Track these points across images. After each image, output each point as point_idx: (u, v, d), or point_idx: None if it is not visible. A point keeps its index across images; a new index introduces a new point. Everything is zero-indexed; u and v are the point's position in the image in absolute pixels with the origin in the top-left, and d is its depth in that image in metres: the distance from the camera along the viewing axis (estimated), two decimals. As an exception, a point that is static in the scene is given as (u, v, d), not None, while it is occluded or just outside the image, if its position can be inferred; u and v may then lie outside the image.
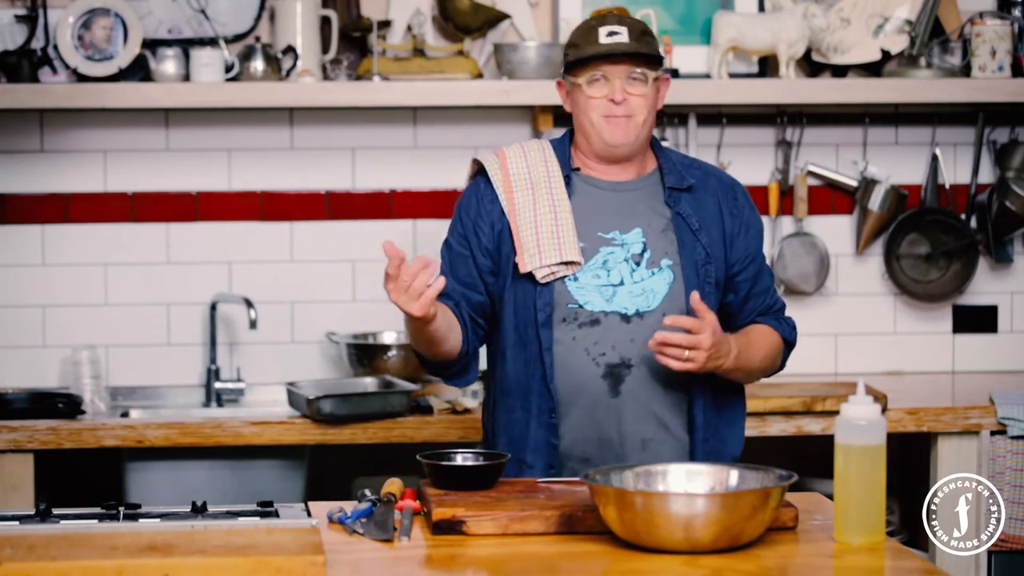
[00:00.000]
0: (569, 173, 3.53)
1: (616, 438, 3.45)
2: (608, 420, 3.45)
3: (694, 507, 2.84)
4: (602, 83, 3.46)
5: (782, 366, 3.69)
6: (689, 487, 3.02)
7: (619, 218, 3.49)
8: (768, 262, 5.02)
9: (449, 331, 3.45)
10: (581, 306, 3.45)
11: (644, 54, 3.45)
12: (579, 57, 3.47)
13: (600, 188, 3.53)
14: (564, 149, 3.57)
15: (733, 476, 3.04)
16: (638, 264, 3.47)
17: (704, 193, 3.54)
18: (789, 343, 3.64)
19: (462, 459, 3.29)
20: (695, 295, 3.36)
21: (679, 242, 3.48)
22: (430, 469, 3.24)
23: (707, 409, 3.50)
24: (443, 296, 3.51)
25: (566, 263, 3.44)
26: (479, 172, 3.60)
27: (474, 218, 3.54)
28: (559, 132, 3.96)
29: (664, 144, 3.72)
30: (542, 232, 3.46)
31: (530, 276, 3.46)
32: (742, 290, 3.55)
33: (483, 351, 3.60)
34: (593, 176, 3.54)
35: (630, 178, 3.53)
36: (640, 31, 3.48)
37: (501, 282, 3.52)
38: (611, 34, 3.44)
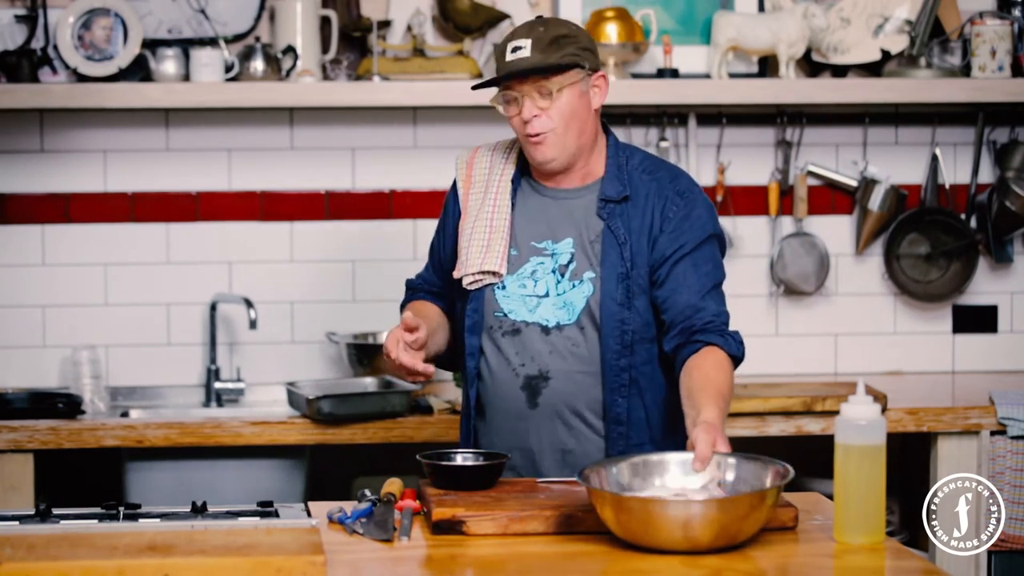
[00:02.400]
0: (518, 178, 3.51)
1: (535, 448, 3.44)
2: (527, 430, 3.44)
3: (691, 511, 2.84)
4: (513, 104, 3.40)
5: None
6: (686, 483, 3.02)
7: (553, 227, 3.45)
8: (768, 262, 5.05)
9: (438, 330, 3.53)
10: (506, 315, 3.44)
11: (545, 67, 3.34)
12: (488, 80, 3.44)
13: (542, 195, 3.48)
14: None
15: (730, 469, 3.03)
16: (563, 276, 3.43)
17: (644, 202, 3.43)
18: (736, 359, 3.37)
19: (462, 459, 3.29)
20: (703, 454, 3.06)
21: (603, 255, 3.42)
22: (430, 469, 3.24)
23: (626, 418, 3.42)
24: (433, 295, 3.62)
25: (491, 272, 3.44)
26: None
27: (446, 220, 3.60)
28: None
29: (634, 146, 3.56)
30: (474, 239, 3.47)
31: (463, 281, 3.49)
32: (663, 295, 3.38)
33: None
34: (540, 182, 3.50)
35: (574, 185, 3.47)
36: (551, 39, 3.35)
37: (452, 284, 3.56)
38: (515, 50, 3.36)
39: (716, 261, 3.45)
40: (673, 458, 3.08)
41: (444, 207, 3.62)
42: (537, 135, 3.38)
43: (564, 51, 3.36)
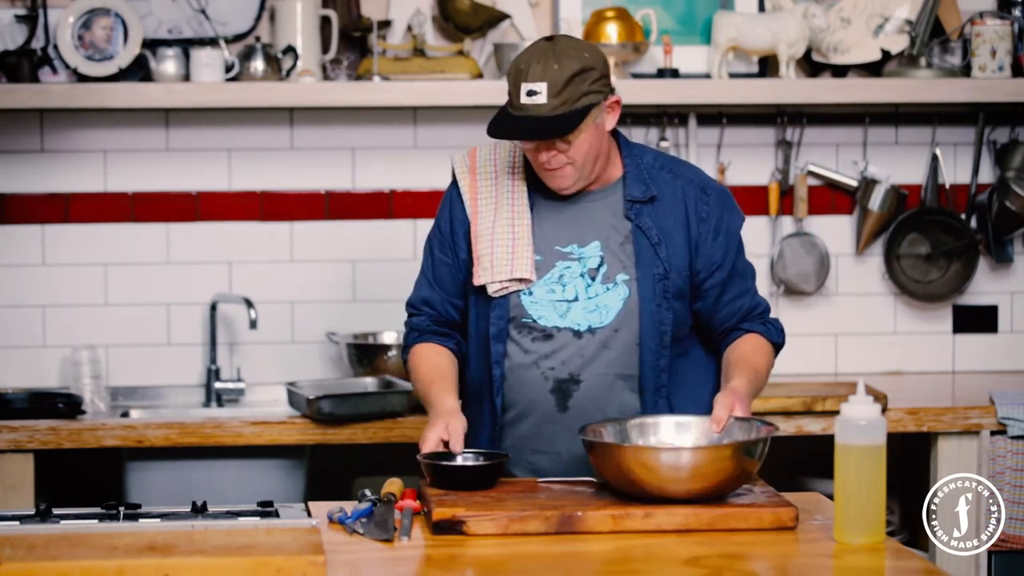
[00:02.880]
0: (533, 182, 3.46)
1: (563, 452, 3.43)
2: (555, 434, 3.43)
3: (663, 456, 3.10)
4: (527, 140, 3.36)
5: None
6: (679, 441, 3.23)
7: (578, 231, 3.43)
8: (768, 262, 5.05)
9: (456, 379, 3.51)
10: (535, 320, 3.42)
11: (564, 128, 3.28)
12: (498, 121, 3.34)
13: (561, 200, 3.45)
14: None
15: (727, 432, 3.21)
16: (593, 279, 3.42)
17: (671, 201, 3.45)
18: (778, 346, 3.55)
19: (462, 459, 3.29)
20: (719, 419, 3.26)
21: (637, 256, 3.41)
22: (430, 470, 3.24)
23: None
24: (440, 335, 3.53)
25: (518, 279, 3.41)
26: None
27: (450, 227, 3.52)
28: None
29: (640, 144, 3.58)
30: (497, 245, 3.42)
31: (485, 287, 3.44)
32: (710, 297, 3.46)
33: None
34: None
35: (594, 188, 3.45)
36: (566, 80, 3.28)
37: (467, 290, 3.51)
38: (531, 93, 3.30)
39: (746, 256, 3.55)
40: (669, 419, 3.30)
41: (443, 217, 3.53)
42: (556, 170, 3.37)
43: (580, 92, 3.30)
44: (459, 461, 3.28)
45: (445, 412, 3.34)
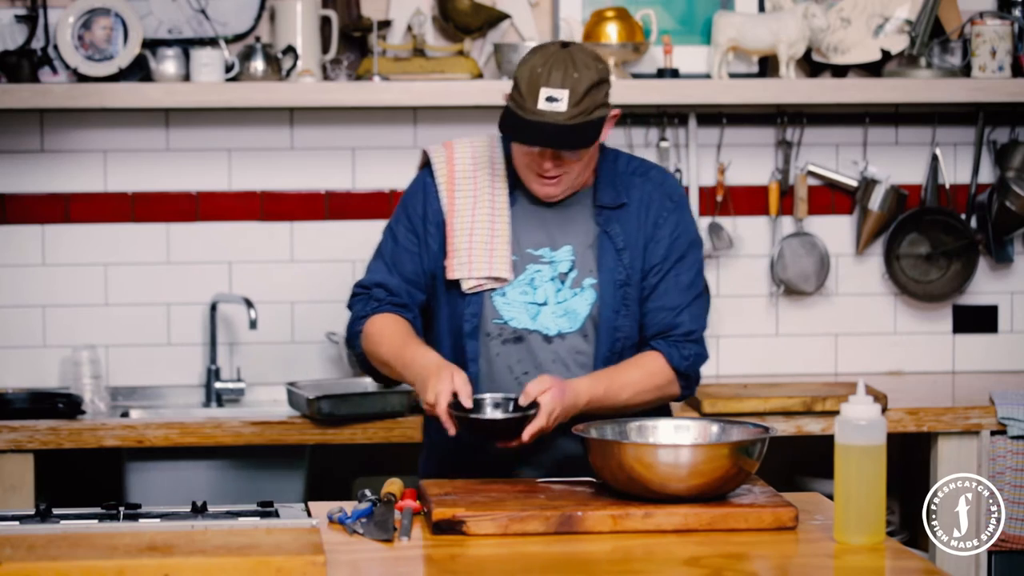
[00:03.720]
0: (513, 181, 3.43)
1: (538, 455, 3.41)
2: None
3: (663, 454, 3.10)
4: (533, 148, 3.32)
5: (686, 394, 3.49)
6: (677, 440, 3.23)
7: (550, 235, 3.41)
8: (768, 262, 5.05)
9: None
10: (506, 322, 3.40)
11: (584, 142, 3.26)
12: (513, 124, 3.27)
13: (535, 203, 3.42)
14: (509, 150, 3.45)
15: (714, 428, 3.26)
16: (563, 283, 3.40)
17: (638, 205, 3.43)
18: (681, 373, 3.43)
19: (491, 411, 3.24)
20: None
21: (600, 262, 3.40)
22: (466, 424, 3.19)
23: None
24: (398, 307, 3.44)
25: (495, 278, 3.39)
26: (427, 164, 3.52)
27: (422, 215, 3.45)
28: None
29: (615, 148, 3.55)
30: (476, 241, 3.39)
31: (457, 282, 3.40)
32: (647, 308, 3.42)
33: None
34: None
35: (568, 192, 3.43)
36: (585, 90, 3.25)
37: (437, 284, 3.46)
38: (550, 99, 3.24)
39: (699, 268, 3.48)
40: (668, 422, 3.32)
41: (412, 205, 3.47)
42: (551, 180, 3.35)
43: (596, 104, 3.27)
44: (489, 413, 3.23)
45: (441, 364, 3.27)
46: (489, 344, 3.41)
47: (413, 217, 3.47)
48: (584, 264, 3.40)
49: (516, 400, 3.27)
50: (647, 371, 3.39)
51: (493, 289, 3.40)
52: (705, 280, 3.48)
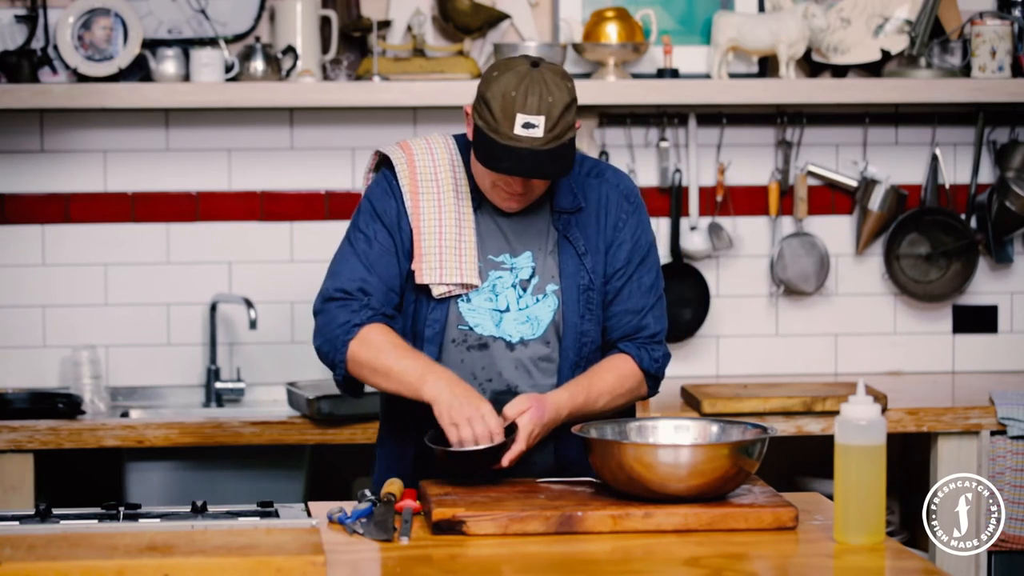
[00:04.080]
0: (473, 187, 3.38)
1: (527, 464, 3.35)
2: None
3: (662, 454, 3.09)
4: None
5: (652, 393, 3.48)
6: (676, 440, 3.24)
7: (510, 241, 3.38)
8: (768, 262, 5.05)
9: None
10: (471, 328, 3.36)
11: (557, 173, 3.22)
12: (488, 152, 3.21)
13: (494, 209, 3.38)
14: (468, 153, 3.38)
15: (714, 428, 3.28)
16: (524, 290, 3.37)
17: (596, 207, 3.41)
18: (650, 375, 3.43)
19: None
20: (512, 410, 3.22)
21: (562, 268, 3.37)
22: (441, 455, 3.19)
23: None
24: (387, 317, 3.36)
25: (464, 284, 3.35)
26: (382, 164, 3.46)
27: (395, 216, 3.38)
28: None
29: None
30: (446, 246, 3.34)
31: (425, 286, 3.35)
32: (610, 312, 3.40)
33: None
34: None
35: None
36: (560, 113, 3.18)
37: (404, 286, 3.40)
38: (527, 126, 3.18)
39: (658, 269, 3.47)
40: (668, 422, 3.31)
41: (383, 207, 3.38)
42: (515, 197, 3.32)
43: (567, 125, 3.21)
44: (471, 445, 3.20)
45: (474, 395, 3.22)
46: (454, 350, 3.37)
47: (385, 217, 3.39)
48: (545, 271, 3.38)
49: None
50: (620, 375, 3.39)
51: (460, 295, 3.38)
52: (663, 282, 3.48)
